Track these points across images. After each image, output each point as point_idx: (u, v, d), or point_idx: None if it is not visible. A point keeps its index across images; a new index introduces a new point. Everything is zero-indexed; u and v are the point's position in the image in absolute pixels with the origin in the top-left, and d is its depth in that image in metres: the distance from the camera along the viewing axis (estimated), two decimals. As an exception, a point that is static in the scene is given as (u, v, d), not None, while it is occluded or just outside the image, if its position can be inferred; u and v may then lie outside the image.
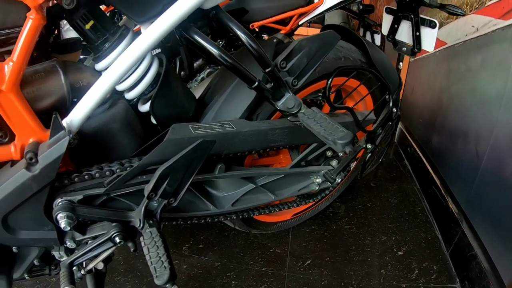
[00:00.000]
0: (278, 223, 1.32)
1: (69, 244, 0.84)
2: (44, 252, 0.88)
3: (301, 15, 1.53)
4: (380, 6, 2.53)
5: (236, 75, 0.77)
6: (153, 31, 0.71)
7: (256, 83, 0.77)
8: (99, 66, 0.81)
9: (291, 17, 1.52)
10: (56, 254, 0.88)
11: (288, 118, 0.84)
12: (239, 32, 0.76)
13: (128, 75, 0.79)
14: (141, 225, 0.79)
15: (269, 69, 0.78)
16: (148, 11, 0.72)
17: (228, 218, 1.02)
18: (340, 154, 1.11)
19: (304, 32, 2.64)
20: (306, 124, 0.80)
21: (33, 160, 0.71)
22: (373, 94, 1.23)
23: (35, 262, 0.88)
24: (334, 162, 1.10)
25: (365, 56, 1.16)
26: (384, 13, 1.36)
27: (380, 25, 1.80)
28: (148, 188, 0.75)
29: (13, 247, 0.83)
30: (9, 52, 0.84)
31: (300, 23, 1.56)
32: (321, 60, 0.86)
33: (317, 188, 1.09)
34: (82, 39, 1.03)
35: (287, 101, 0.82)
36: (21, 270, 0.88)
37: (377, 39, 1.78)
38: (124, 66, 0.72)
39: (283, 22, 1.53)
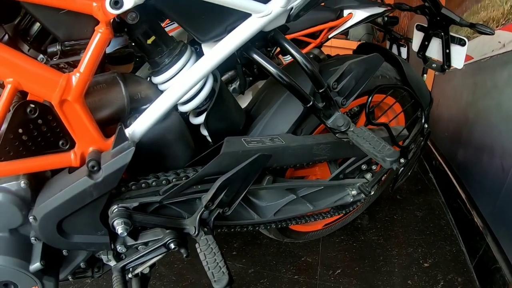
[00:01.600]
0: (310, 233, 1.39)
1: (120, 248, 0.89)
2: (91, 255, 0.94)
3: (331, 28, 1.60)
4: (404, 18, 2.61)
5: (292, 93, 0.84)
6: (218, 53, 0.77)
7: (311, 102, 0.84)
8: (157, 79, 0.87)
9: (321, 31, 1.60)
10: (104, 257, 0.94)
11: (337, 135, 0.91)
12: (296, 54, 0.83)
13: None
14: (196, 232, 0.86)
15: (323, 89, 0.85)
16: (212, 31, 0.79)
17: (268, 227, 1.09)
18: (373, 167, 1.18)
19: (328, 43, 2.71)
20: (355, 141, 0.87)
21: (95, 168, 0.76)
22: (405, 110, 1.30)
23: (81, 264, 0.94)
24: (368, 175, 1.16)
25: (400, 73, 1.23)
26: (415, 30, 1.43)
27: (405, 38, 1.88)
28: (206, 197, 0.82)
29: (64, 250, 0.89)
30: (70, 63, 0.91)
31: (330, 36, 1.64)
32: (367, 81, 0.94)
33: (351, 199, 1.15)
34: (135, 52, 1.10)
35: (337, 119, 0.88)
36: (66, 271, 0.93)
37: (404, 52, 1.85)
38: (188, 84, 0.79)
39: (313, 35, 1.61)
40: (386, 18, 1.96)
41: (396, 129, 1.19)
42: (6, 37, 0.82)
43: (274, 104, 0.98)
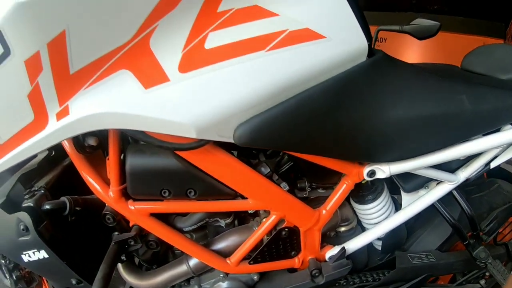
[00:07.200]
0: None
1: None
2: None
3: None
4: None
5: (454, 231, 1.39)
6: (417, 205, 1.29)
7: (467, 241, 1.41)
8: (359, 207, 1.34)
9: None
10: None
11: (477, 262, 1.46)
12: (463, 203, 1.36)
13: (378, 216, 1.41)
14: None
15: (476, 232, 1.41)
16: (414, 186, 1.29)
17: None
18: (486, 273, 1.74)
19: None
20: (492, 272, 1.40)
21: (317, 275, 1.24)
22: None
23: None
24: (482, 281, 1.71)
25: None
26: None
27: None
28: (390, 301, 1.38)
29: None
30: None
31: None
32: (505, 221, 1.50)
33: (466, 300, 1.71)
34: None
35: (480, 252, 1.40)
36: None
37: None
38: (392, 225, 1.30)
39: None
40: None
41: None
42: (270, 172, 1.10)
43: (429, 226, 1.54)
